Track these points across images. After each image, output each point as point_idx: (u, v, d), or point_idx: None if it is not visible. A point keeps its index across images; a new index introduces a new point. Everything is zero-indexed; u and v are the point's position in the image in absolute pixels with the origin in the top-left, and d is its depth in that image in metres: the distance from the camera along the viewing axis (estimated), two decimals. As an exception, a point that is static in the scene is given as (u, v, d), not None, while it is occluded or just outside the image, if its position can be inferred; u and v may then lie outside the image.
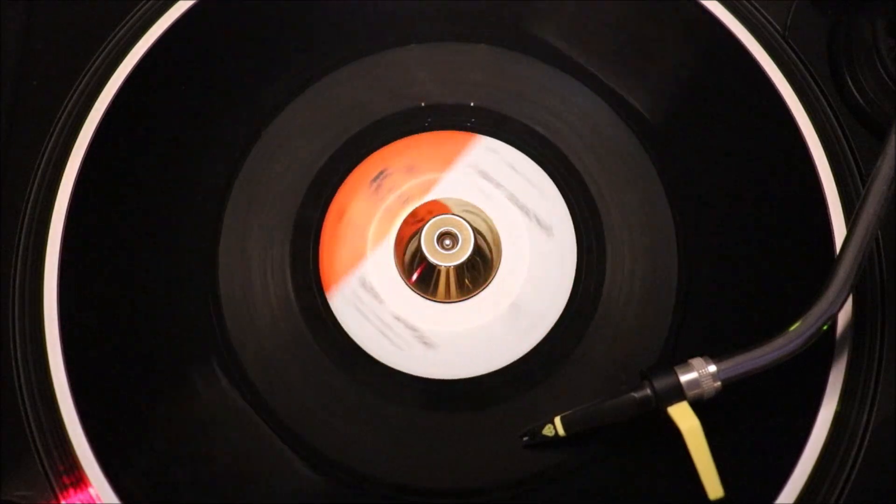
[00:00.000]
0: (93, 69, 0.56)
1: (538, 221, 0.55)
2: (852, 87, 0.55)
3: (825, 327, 0.47)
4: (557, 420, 0.49)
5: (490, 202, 0.55)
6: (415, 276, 0.54)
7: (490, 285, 0.54)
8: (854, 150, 0.55)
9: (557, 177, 0.56)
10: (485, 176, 0.56)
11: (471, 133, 0.57)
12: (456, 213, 0.54)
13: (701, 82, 0.58)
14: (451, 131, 0.57)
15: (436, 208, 0.55)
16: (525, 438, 0.50)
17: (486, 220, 0.55)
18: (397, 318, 0.53)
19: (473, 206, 0.55)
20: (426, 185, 0.56)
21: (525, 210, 0.55)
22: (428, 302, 0.54)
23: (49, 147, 0.54)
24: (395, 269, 0.54)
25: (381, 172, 0.56)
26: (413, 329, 0.53)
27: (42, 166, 0.54)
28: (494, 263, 0.54)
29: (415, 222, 0.55)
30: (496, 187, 0.56)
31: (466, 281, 0.54)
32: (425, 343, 0.53)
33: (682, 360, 0.47)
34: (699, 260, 0.54)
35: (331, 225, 0.55)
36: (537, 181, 0.56)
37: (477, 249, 0.53)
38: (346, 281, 0.54)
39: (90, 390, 0.50)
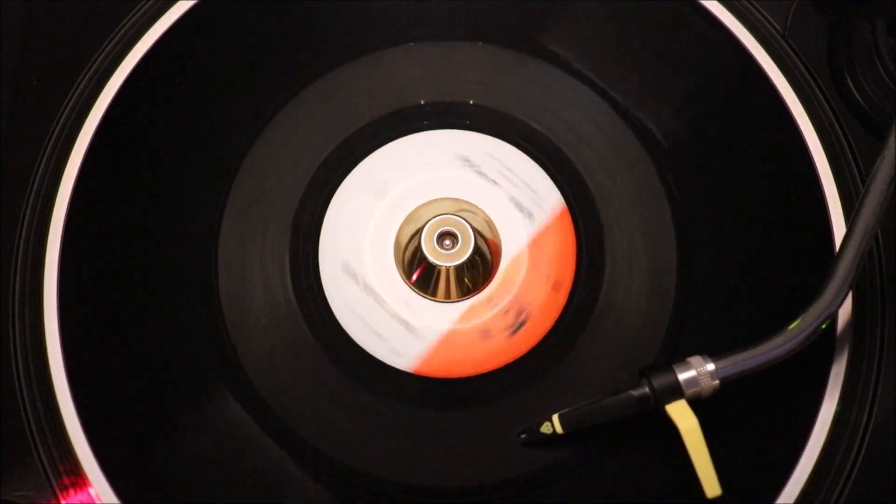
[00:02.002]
0: (93, 69, 0.56)
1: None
2: (852, 87, 0.55)
3: (824, 326, 0.47)
4: (556, 418, 0.49)
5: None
6: (415, 276, 0.54)
7: (489, 283, 0.54)
8: (854, 150, 0.55)
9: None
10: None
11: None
12: (454, 212, 0.54)
13: (701, 82, 0.58)
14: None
15: (433, 208, 0.55)
16: (523, 436, 0.50)
17: (484, 218, 0.55)
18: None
19: (469, 204, 0.55)
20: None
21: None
22: (427, 301, 0.54)
23: (49, 147, 0.54)
24: (395, 270, 0.54)
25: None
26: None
27: (42, 166, 0.54)
28: (494, 261, 0.54)
29: (412, 223, 0.55)
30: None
31: (466, 280, 0.54)
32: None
33: (681, 358, 0.47)
34: (699, 258, 0.54)
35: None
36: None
37: (477, 249, 0.53)
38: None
39: (90, 390, 0.50)
